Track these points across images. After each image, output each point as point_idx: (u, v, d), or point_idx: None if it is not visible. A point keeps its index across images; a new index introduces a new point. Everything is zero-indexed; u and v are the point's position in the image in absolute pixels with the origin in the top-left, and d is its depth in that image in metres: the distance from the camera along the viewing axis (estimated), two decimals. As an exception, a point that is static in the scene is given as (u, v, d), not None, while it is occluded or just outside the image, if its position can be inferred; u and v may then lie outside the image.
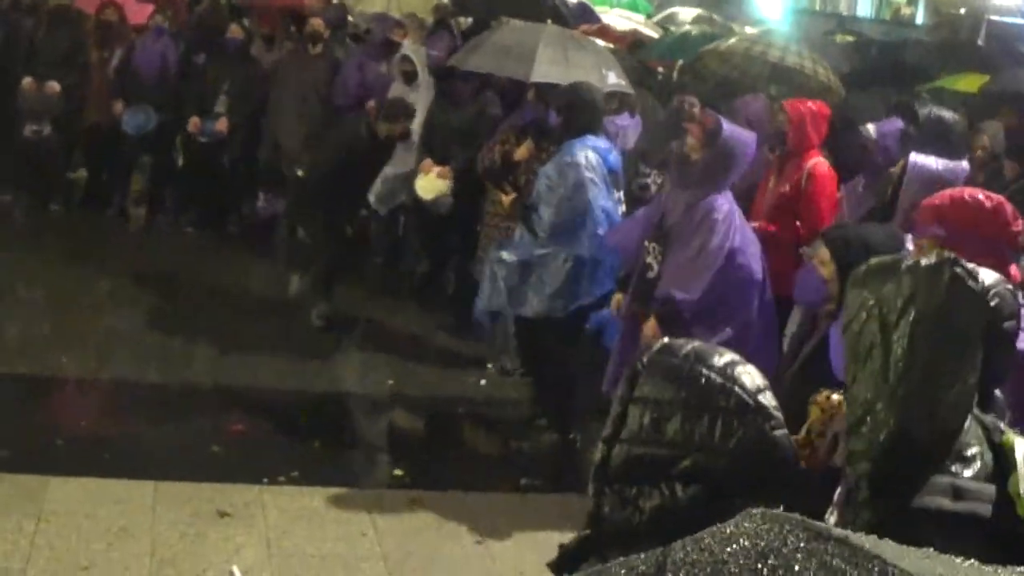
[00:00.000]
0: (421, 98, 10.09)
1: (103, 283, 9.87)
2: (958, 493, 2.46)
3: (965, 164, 6.27)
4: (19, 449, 6.55)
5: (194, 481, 6.40)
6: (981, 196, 4.50)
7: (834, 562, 1.02)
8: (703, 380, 2.09)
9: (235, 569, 5.48)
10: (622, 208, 7.67)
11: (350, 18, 13.09)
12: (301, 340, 8.89)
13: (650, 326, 6.44)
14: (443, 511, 6.45)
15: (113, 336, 8.82)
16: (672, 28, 16.66)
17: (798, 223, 7.29)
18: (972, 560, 1.10)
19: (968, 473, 2.48)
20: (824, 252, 5.16)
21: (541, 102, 8.92)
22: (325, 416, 7.93)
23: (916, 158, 6.00)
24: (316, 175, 9.33)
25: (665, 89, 10.72)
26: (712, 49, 10.77)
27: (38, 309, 9.15)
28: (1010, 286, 2.96)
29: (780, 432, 2.10)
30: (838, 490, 2.83)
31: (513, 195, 8.21)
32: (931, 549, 1.10)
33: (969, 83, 9.55)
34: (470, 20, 12.89)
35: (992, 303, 2.78)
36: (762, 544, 1.05)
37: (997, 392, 2.88)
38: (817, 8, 31.04)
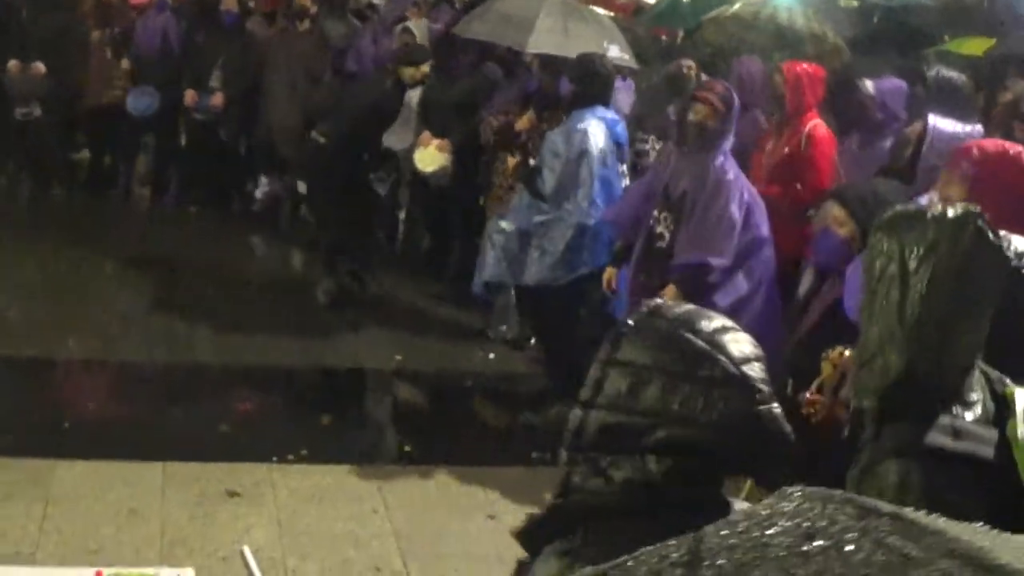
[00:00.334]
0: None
1: (108, 265, 9.82)
2: (958, 433, 2.47)
3: (980, 127, 6.25)
4: (26, 433, 6.51)
5: (203, 461, 6.35)
6: (1014, 149, 4.48)
7: (890, 539, 0.96)
8: (687, 346, 1.99)
9: (246, 549, 5.44)
10: (625, 181, 7.64)
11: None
12: (307, 318, 8.85)
13: (670, 293, 6.36)
14: (453, 487, 6.42)
15: (119, 317, 8.78)
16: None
17: (799, 186, 7.28)
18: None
19: (969, 416, 2.51)
20: (839, 212, 5.14)
21: (547, 72, 8.84)
22: (333, 393, 7.91)
23: (936, 121, 5.97)
24: (338, 139, 9.14)
25: (667, 56, 10.63)
26: (716, 16, 10.66)
27: (42, 292, 9.09)
28: None
29: (765, 407, 1.98)
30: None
31: (518, 158, 8.16)
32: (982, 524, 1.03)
33: (974, 46, 9.45)
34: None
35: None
36: (807, 524, 0.99)
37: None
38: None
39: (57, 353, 7.89)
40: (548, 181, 7.51)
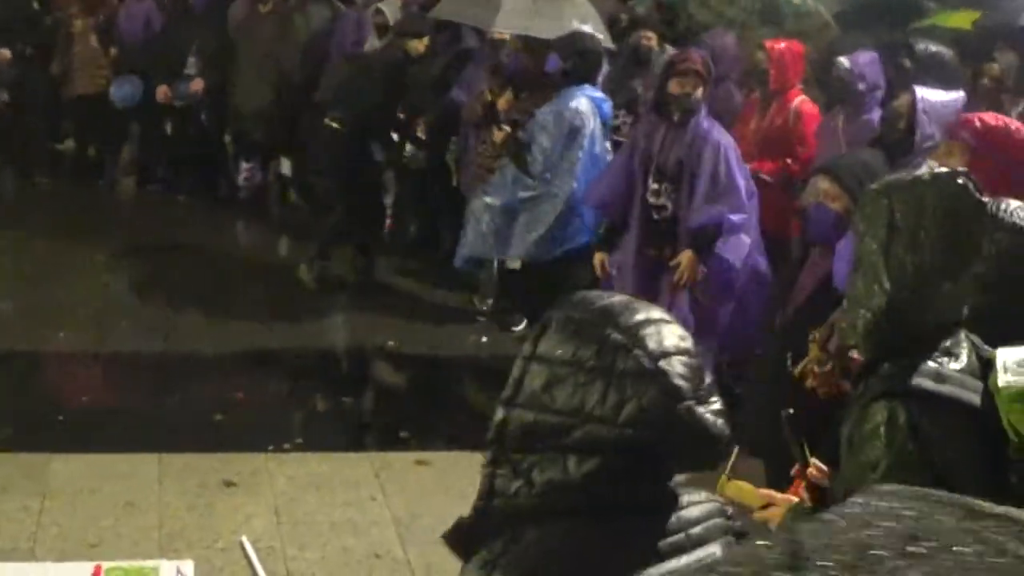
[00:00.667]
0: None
1: (96, 255, 9.73)
2: (942, 378, 2.55)
3: (961, 94, 6.29)
4: (19, 427, 6.50)
5: (198, 452, 6.34)
6: (1014, 124, 4.50)
7: (999, 539, 0.93)
8: (604, 340, 1.89)
9: (245, 540, 5.40)
10: (609, 157, 7.65)
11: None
12: (298, 304, 8.80)
13: (686, 258, 6.48)
14: (450, 472, 6.39)
15: (109, 308, 8.70)
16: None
17: (789, 160, 7.45)
18: None
19: (955, 366, 2.59)
20: (830, 186, 5.14)
21: (530, 51, 8.75)
22: (326, 380, 7.87)
23: (922, 92, 6.00)
24: (353, 123, 9.05)
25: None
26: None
27: (31, 284, 9.03)
28: None
29: (684, 404, 1.87)
30: None
31: (506, 131, 8.11)
32: None
33: (961, 19, 9.45)
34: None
35: None
36: (909, 524, 0.95)
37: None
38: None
39: (48, 345, 7.84)
40: (538, 157, 7.54)
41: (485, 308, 8.73)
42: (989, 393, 2.51)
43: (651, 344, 1.89)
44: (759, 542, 0.99)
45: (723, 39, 8.68)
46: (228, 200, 11.44)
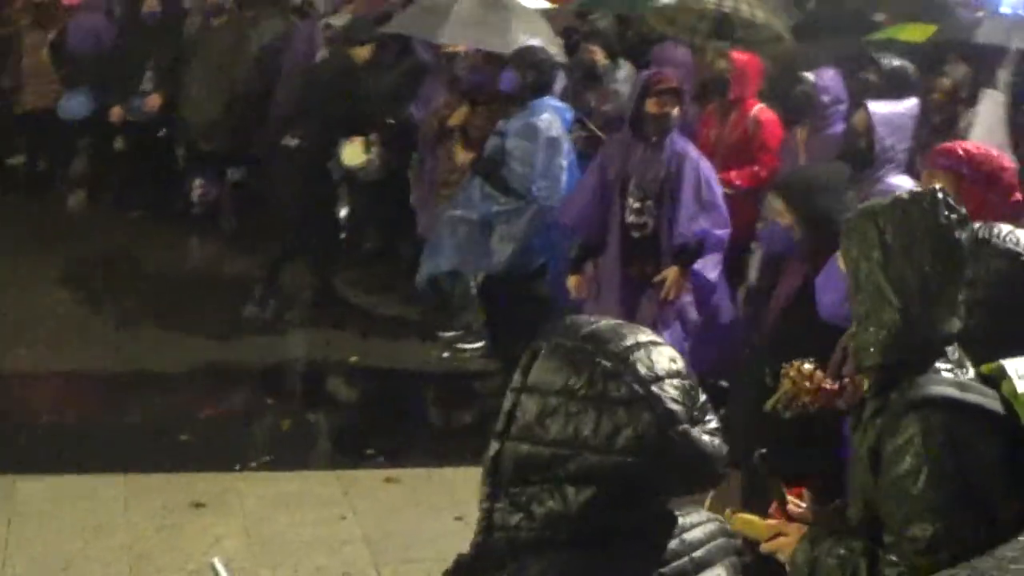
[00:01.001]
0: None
1: (49, 272, 9.59)
2: (964, 387, 2.62)
3: (915, 101, 6.36)
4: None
5: (165, 472, 6.29)
6: (1003, 158, 4.57)
7: None
8: (594, 367, 1.87)
9: (216, 561, 5.33)
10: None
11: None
12: (259, 322, 8.74)
13: (672, 275, 6.54)
14: (419, 488, 6.38)
15: (64, 326, 8.55)
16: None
17: (756, 168, 7.57)
18: None
19: (969, 375, 2.67)
20: (779, 203, 5.22)
21: (489, 64, 8.73)
22: (291, 397, 7.84)
23: (876, 107, 6.04)
24: (312, 140, 9.03)
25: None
26: (655, 9, 10.61)
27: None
28: None
29: (679, 428, 1.86)
30: None
31: (472, 154, 8.08)
32: None
33: (915, 32, 9.56)
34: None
35: None
36: None
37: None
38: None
39: (6, 365, 7.72)
40: (518, 171, 7.51)
41: (453, 329, 8.65)
42: (1006, 400, 2.60)
43: (642, 370, 1.88)
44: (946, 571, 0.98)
45: (674, 52, 8.75)
46: (182, 216, 11.30)
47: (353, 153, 9.26)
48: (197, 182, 11.36)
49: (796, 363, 3.80)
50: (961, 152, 4.41)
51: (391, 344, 8.57)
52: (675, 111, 6.56)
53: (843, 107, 7.12)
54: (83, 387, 7.71)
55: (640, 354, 1.89)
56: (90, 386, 7.70)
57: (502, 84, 8.13)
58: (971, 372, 2.68)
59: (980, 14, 11.18)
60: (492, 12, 8.87)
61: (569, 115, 7.87)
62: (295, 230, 9.13)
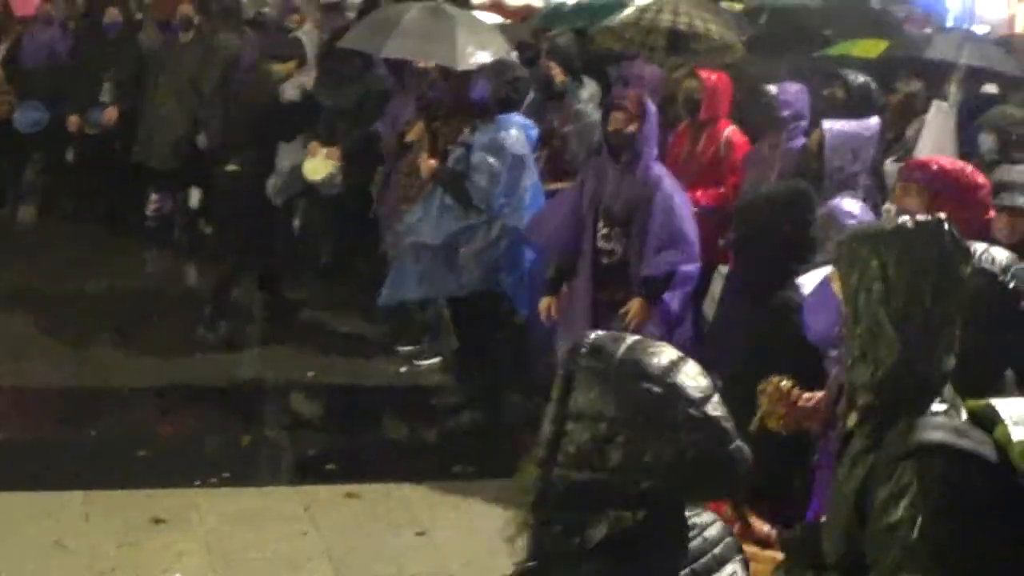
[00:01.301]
0: (312, 82, 9.87)
1: (1, 287, 9.54)
2: (959, 432, 2.56)
3: (876, 120, 6.41)
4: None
5: (125, 488, 6.26)
6: (977, 175, 4.61)
7: None
8: (643, 395, 1.94)
9: (178, 577, 5.37)
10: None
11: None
12: (214, 337, 8.70)
13: (635, 307, 6.51)
14: (380, 503, 6.38)
15: (20, 342, 8.44)
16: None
17: (722, 189, 7.56)
18: None
19: (962, 418, 2.63)
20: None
21: (452, 80, 8.69)
22: (250, 413, 7.77)
23: (830, 124, 6.11)
24: (253, 166, 9.02)
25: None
26: (606, 27, 10.66)
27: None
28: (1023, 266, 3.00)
29: (735, 446, 1.97)
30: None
31: (436, 164, 8.02)
32: None
33: (868, 48, 9.66)
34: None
35: (1010, 284, 2.94)
36: None
37: (1008, 372, 2.94)
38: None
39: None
40: (482, 186, 7.48)
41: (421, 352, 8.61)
42: (998, 445, 2.55)
43: (690, 391, 1.96)
44: None
45: (642, 69, 8.76)
46: (135, 231, 11.23)
47: (316, 167, 9.26)
48: (153, 197, 11.30)
49: (774, 379, 3.84)
50: (935, 168, 4.44)
51: (349, 359, 8.56)
52: (630, 127, 6.51)
53: (804, 123, 7.13)
54: (39, 404, 7.65)
55: (681, 375, 1.97)
56: (47, 403, 7.64)
57: (474, 92, 8.12)
58: (964, 414, 2.63)
59: (928, 30, 11.37)
60: (439, 25, 8.73)
61: (534, 132, 7.87)
62: (239, 250, 9.08)
